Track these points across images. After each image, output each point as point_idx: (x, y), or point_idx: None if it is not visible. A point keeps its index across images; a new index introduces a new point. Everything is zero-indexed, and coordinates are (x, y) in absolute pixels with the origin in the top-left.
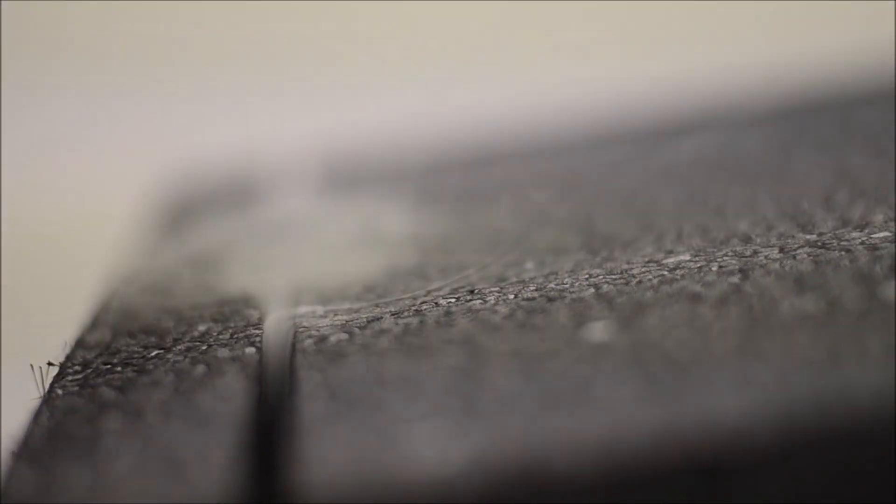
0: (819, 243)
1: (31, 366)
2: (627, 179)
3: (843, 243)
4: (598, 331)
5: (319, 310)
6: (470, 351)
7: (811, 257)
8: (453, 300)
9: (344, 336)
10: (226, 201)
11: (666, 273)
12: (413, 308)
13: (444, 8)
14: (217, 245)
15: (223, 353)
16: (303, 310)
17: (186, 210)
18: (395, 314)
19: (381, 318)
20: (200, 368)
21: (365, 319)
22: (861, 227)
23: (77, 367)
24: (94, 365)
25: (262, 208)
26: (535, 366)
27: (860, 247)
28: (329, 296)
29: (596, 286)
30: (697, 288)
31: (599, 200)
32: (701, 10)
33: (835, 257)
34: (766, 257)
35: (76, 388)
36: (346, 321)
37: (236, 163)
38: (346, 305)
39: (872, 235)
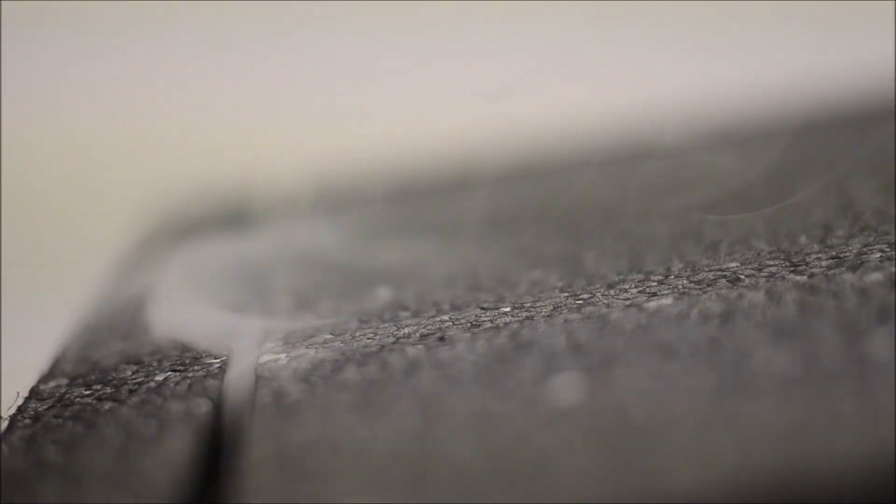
0: (808, 286)
1: None
2: (621, 206)
3: (832, 286)
4: (561, 388)
5: (283, 358)
6: (428, 413)
7: (797, 303)
8: (421, 347)
9: (304, 390)
10: (212, 227)
11: (644, 318)
12: (379, 355)
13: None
14: (191, 278)
15: (177, 407)
16: (266, 357)
17: (168, 237)
18: (360, 362)
19: (345, 367)
20: (152, 425)
21: (328, 369)
22: (854, 268)
23: (27, 421)
24: (45, 419)
25: (247, 236)
26: (492, 433)
27: (850, 291)
28: (296, 337)
29: (569, 332)
30: (672, 337)
31: (590, 233)
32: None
33: (821, 304)
34: (749, 302)
35: (22, 445)
36: (309, 370)
37: (227, 186)
38: (311, 352)
39: (865, 278)
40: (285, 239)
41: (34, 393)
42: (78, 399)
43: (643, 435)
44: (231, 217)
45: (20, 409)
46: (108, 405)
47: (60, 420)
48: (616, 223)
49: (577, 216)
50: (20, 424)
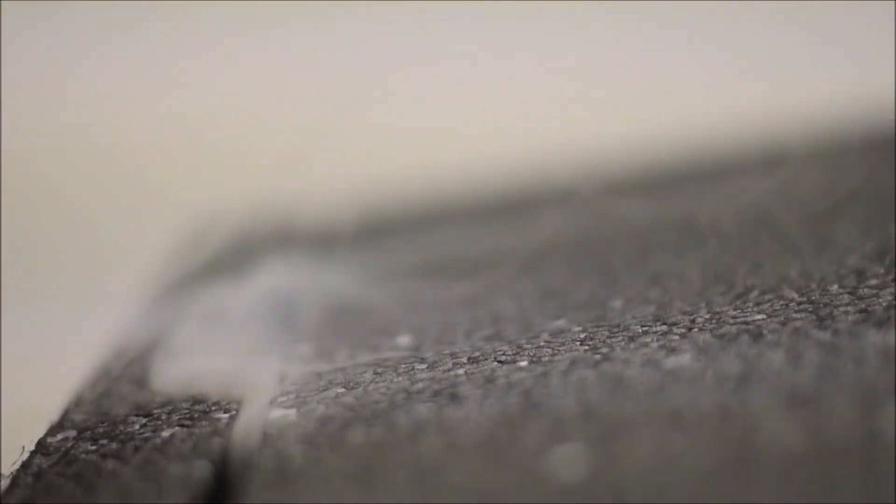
0: (831, 345)
1: None
2: (648, 244)
3: (855, 345)
4: (563, 462)
5: (292, 414)
6: (426, 486)
7: (816, 366)
8: (431, 406)
9: (307, 454)
10: (230, 266)
11: (658, 378)
12: (387, 416)
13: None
14: (214, 321)
15: (177, 470)
16: (276, 413)
17: (198, 269)
18: (367, 422)
19: (352, 426)
20: (150, 490)
21: (336, 428)
22: (879, 324)
23: (29, 479)
24: (47, 478)
25: (273, 271)
26: None
27: (871, 353)
28: (309, 389)
29: (582, 393)
30: (683, 404)
31: (622, 273)
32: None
33: (840, 368)
34: (768, 365)
35: None
36: (316, 431)
37: (249, 218)
38: (321, 409)
39: (887, 337)
40: (313, 277)
41: (40, 447)
42: (83, 455)
43: None
44: (266, 243)
45: (24, 466)
46: (111, 465)
47: (62, 480)
48: (651, 262)
49: (611, 253)
50: (21, 483)
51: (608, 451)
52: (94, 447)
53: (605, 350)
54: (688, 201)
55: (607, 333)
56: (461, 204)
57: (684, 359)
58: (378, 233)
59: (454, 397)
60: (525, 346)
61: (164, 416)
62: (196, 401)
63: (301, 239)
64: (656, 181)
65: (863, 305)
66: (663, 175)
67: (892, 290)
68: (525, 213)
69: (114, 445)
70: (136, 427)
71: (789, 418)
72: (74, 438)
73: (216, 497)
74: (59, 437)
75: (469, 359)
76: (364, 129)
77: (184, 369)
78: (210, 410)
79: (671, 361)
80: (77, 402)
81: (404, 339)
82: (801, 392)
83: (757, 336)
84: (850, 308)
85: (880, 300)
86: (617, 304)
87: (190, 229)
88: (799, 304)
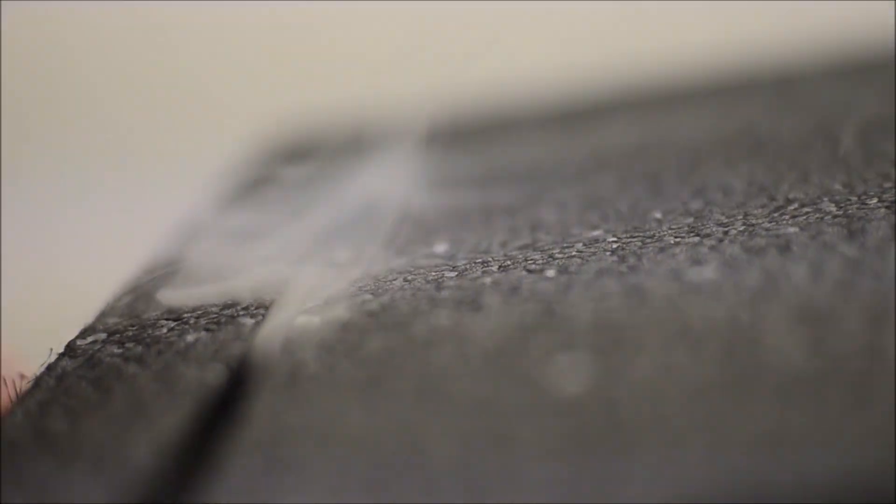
0: (855, 260)
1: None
2: (700, 155)
3: (878, 262)
4: (566, 368)
5: (317, 321)
6: (431, 399)
7: (836, 282)
8: (451, 312)
9: (323, 358)
10: (310, 166)
11: (677, 289)
12: (406, 322)
13: None
14: (266, 223)
15: (192, 374)
16: (301, 319)
17: (262, 177)
18: (387, 328)
19: (371, 334)
20: (164, 393)
21: (355, 336)
22: None
23: (52, 382)
24: (68, 380)
25: (331, 176)
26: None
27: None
28: (338, 296)
29: (599, 301)
30: (697, 316)
31: (669, 183)
32: None
33: (860, 284)
34: (789, 278)
35: (35, 411)
36: (336, 339)
37: (333, 120)
38: (346, 315)
39: None
40: (369, 181)
41: (69, 349)
42: (108, 359)
43: (626, 435)
44: (331, 149)
45: (49, 368)
46: (132, 369)
47: (83, 382)
48: (699, 174)
49: (661, 164)
50: (43, 385)
51: (610, 362)
52: (119, 350)
53: (632, 261)
54: (748, 111)
55: (640, 244)
56: (524, 114)
57: (707, 271)
58: (439, 142)
59: (476, 305)
60: (557, 255)
61: (192, 321)
62: (226, 305)
63: (363, 147)
64: (717, 91)
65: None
66: (723, 85)
67: None
68: (582, 123)
69: (139, 349)
70: (164, 331)
71: (797, 333)
72: (103, 341)
73: (226, 400)
74: (90, 339)
75: (500, 267)
76: (433, 39)
77: (224, 276)
78: (238, 315)
79: (694, 273)
80: (112, 306)
81: (441, 248)
82: (815, 310)
83: (784, 249)
84: (882, 223)
85: None
86: (657, 214)
87: (259, 136)
88: (834, 217)
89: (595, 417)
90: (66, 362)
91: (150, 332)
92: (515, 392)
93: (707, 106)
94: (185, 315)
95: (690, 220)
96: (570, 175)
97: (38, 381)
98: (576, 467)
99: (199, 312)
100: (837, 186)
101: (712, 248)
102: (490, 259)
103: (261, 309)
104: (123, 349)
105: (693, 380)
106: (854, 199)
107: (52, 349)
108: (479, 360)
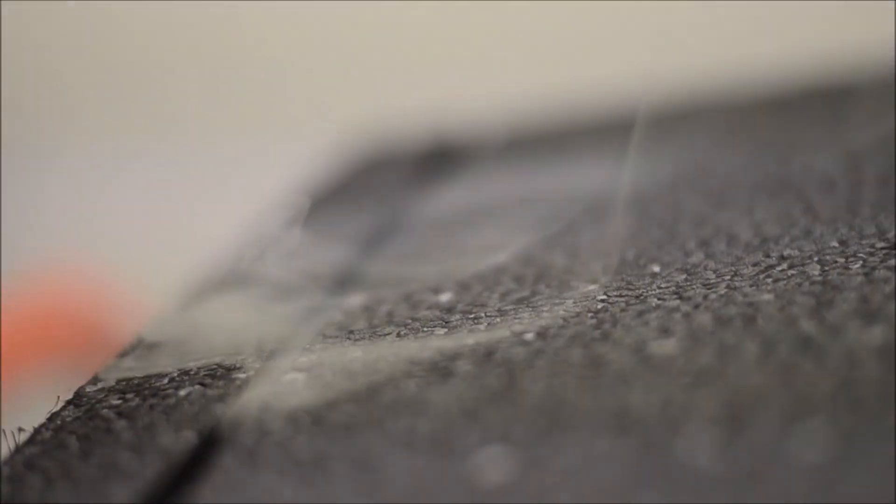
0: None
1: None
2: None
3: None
4: (488, 461)
5: (300, 380)
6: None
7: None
8: (417, 382)
9: (285, 431)
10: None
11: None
12: (376, 389)
13: None
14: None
15: (164, 441)
16: (287, 377)
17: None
18: (357, 397)
19: (338, 404)
20: (133, 461)
21: (324, 403)
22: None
23: (48, 434)
24: (60, 435)
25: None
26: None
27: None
28: (328, 353)
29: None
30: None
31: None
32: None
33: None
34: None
35: (23, 466)
36: (303, 407)
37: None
38: (327, 377)
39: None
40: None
41: (76, 397)
42: (104, 411)
43: None
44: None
45: (51, 418)
46: (119, 426)
47: (74, 436)
48: (717, 216)
49: (684, 203)
50: (39, 439)
51: (536, 454)
52: (117, 402)
53: (607, 327)
54: (790, 139)
55: (623, 306)
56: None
57: (668, 345)
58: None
59: (446, 372)
60: (544, 314)
61: (193, 371)
62: (230, 353)
63: (433, 159)
64: (756, 118)
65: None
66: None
67: None
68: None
69: (134, 403)
70: (165, 381)
71: (711, 434)
72: (109, 390)
73: (194, 463)
74: (99, 386)
75: (488, 325)
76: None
77: (239, 311)
78: (233, 368)
79: (655, 346)
80: (132, 347)
81: (445, 297)
82: (738, 404)
83: (749, 321)
84: (851, 295)
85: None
86: (656, 268)
87: (334, 142)
88: (812, 283)
89: None
90: (68, 412)
91: (152, 382)
92: (442, 481)
93: (746, 135)
94: (190, 364)
95: (683, 277)
96: (599, 212)
97: (35, 434)
98: None
99: (203, 362)
100: (834, 244)
101: (686, 315)
102: (483, 315)
103: (260, 358)
104: (122, 400)
105: (612, 472)
106: (841, 260)
107: (59, 397)
108: (424, 442)
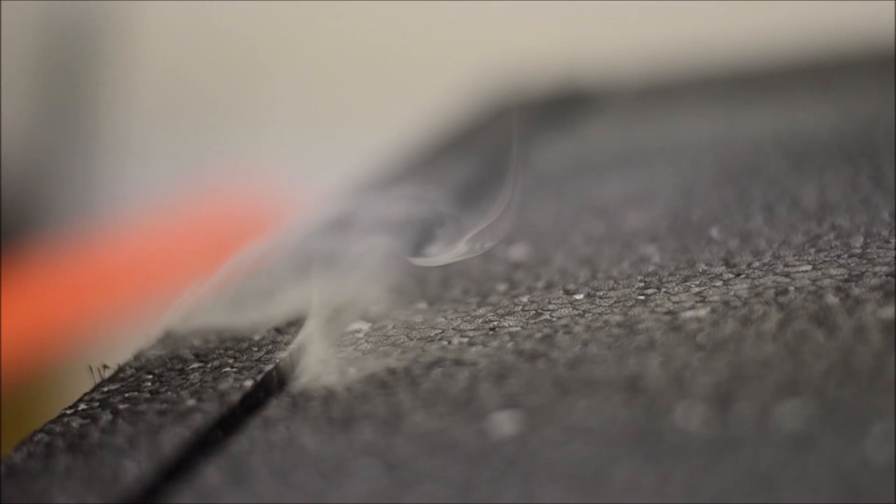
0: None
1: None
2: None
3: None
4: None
5: (332, 375)
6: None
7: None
8: (439, 370)
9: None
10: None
11: (660, 332)
12: (399, 384)
13: None
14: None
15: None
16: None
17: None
18: (381, 388)
19: (361, 400)
20: (145, 442)
21: (345, 401)
22: None
23: (95, 405)
24: (105, 404)
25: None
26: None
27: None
28: (374, 339)
29: (587, 345)
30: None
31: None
32: None
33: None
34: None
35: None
36: (328, 412)
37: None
38: (356, 372)
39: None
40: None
41: (118, 372)
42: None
43: None
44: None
45: (94, 388)
46: (143, 406)
47: (106, 412)
48: (789, 177)
49: (764, 161)
50: (81, 410)
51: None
52: (149, 377)
53: (650, 291)
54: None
55: (671, 271)
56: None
57: (702, 311)
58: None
59: (459, 363)
60: (578, 295)
61: (215, 354)
62: (276, 331)
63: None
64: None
65: None
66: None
67: None
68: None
69: (157, 384)
70: (194, 365)
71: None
72: (138, 369)
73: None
74: (137, 363)
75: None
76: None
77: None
78: (276, 346)
79: (689, 314)
80: (181, 320)
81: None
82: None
83: (781, 293)
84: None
85: None
86: (714, 232)
87: (472, 86)
88: (851, 255)
89: None
90: (109, 386)
91: (178, 364)
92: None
93: (840, 96)
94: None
95: (736, 243)
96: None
97: (78, 402)
98: None
99: (239, 340)
100: (885, 215)
101: (726, 282)
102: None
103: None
104: (153, 375)
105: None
106: (885, 233)
107: (104, 365)
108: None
